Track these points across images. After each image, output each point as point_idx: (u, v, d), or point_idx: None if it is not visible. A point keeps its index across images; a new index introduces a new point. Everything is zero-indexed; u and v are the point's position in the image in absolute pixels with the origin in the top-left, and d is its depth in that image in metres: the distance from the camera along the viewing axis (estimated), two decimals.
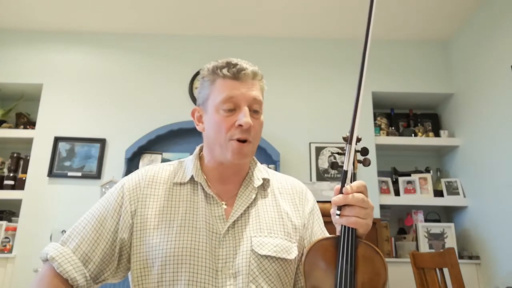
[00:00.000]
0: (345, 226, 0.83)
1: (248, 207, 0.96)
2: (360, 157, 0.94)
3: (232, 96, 0.93)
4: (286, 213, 0.99)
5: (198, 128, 1.02)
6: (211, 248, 0.88)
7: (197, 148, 1.06)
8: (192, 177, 0.98)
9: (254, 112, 0.95)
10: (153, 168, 1.03)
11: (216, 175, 0.99)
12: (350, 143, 0.85)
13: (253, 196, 0.98)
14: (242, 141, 0.93)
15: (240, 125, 0.91)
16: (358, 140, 0.92)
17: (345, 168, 0.86)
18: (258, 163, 1.08)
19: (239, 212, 0.94)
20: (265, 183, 1.03)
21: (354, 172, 0.90)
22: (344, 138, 0.94)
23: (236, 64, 0.95)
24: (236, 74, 0.94)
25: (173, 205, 0.94)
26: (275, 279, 0.90)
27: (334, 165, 0.98)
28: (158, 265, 0.87)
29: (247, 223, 0.94)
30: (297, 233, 0.97)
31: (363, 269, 0.80)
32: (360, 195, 0.84)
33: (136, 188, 0.97)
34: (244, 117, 0.91)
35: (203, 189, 0.96)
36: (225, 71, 0.94)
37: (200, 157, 1.04)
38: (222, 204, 0.96)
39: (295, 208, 1.02)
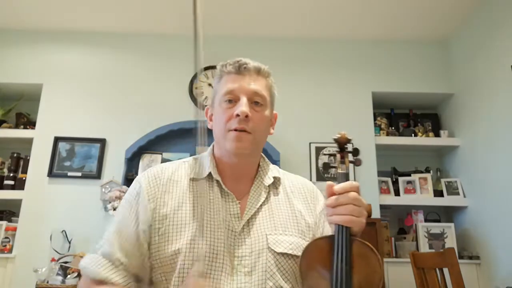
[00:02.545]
0: (339, 225, 0.84)
1: (261, 205, 0.96)
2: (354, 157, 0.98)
3: (232, 89, 0.95)
4: (300, 211, 0.99)
5: (208, 126, 1.02)
6: (228, 246, 0.89)
7: (211, 145, 1.06)
8: (209, 173, 0.98)
9: (255, 104, 0.96)
10: (169, 165, 1.02)
11: (229, 173, 0.99)
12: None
13: (265, 195, 0.98)
14: (240, 130, 0.93)
15: (238, 115, 0.92)
16: (348, 141, 0.96)
17: (339, 170, 0.90)
18: (267, 161, 1.08)
19: (253, 210, 0.94)
20: (276, 181, 1.03)
21: (346, 172, 0.92)
22: (335, 140, 0.96)
23: (240, 60, 0.98)
24: (238, 68, 0.97)
25: (191, 201, 0.94)
26: (291, 276, 0.90)
27: (326, 166, 1.00)
28: (179, 261, 0.86)
29: (261, 221, 0.94)
30: (310, 231, 0.98)
31: (359, 267, 0.80)
32: (353, 193, 0.84)
33: (151, 186, 0.95)
34: (240, 106, 0.93)
35: (219, 186, 0.97)
36: (229, 67, 0.98)
37: (214, 155, 1.03)
38: (237, 202, 0.96)
39: (307, 206, 1.02)
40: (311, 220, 1.00)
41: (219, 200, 0.95)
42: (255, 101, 0.96)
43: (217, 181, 0.97)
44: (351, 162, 0.96)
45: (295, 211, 0.99)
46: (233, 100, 0.95)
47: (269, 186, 1.01)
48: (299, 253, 0.90)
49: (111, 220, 0.99)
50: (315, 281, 0.83)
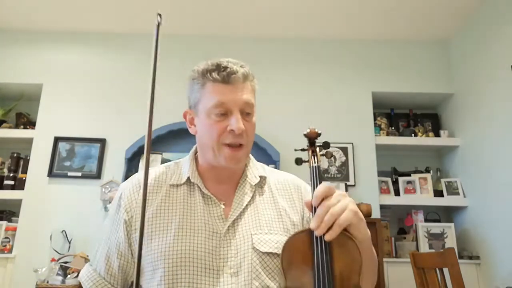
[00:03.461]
0: None
1: (246, 205, 0.96)
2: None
3: (223, 102, 0.91)
4: (284, 210, 0.99)
5: (190, 130, 1.02)
6: (211, 248, 0.89)
7: (193, 148, 1.06)
8: (188, 178, 0.98)
9: (246, 115, 0.95)
10: (150, 172, 1.02)
11: (211, 176, 0.99)
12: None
13: (251, 194, 0.98)
14: (235, 145, 0.93)
15: (232, 130, 0.91)
16: (318, 135, 1.01)
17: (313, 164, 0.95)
18: (254, 160, 1.08)
19: (238, 211, 0.94)
20: (262, 180, 1.03)
21: (318, 165, 0.95)
22: (305, 135, 1.02)
23: (226, 67, 0.93)
24: (226, 78, 0.92)
25: (169, 207, 0.94)
26: (277, 275, 0.90)
27: (298, 161, 1.01)
28: (158, 269, 0.87)
29: (246, 222, 0.94)
30: (296, 229, 0.97)
31: (338, 256, 0.81)
32: (328, 202, 0.81)
33: (131, 196, 0.97)
34: (236, 122, 0.91)
35: (200, 190, 0.97)
36: (215, 74, 0.92)
37: (196, 158, 1.04)
38: (221, 204, 0.96)
39: (292, 204, 1.02)
40: (296, 217, 0.99)
41: (201, 204, 0.95)
42: (246, 112, 0.94)
43: (198, 185, 0.97)
44: (322, 155, 1.00)
45: (280, 209, 0.99)
46: (224, 113, 0.92)
47: (255, 185, 1.01)
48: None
49: (102, 232, 1.01)
50: (297, 274, 0.84)
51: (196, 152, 1.05)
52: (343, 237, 0.82)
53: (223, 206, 0.95)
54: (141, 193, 0.95)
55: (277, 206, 0.99)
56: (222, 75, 0.92)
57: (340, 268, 0.81)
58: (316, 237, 0.82)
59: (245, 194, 0.98)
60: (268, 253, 0.90)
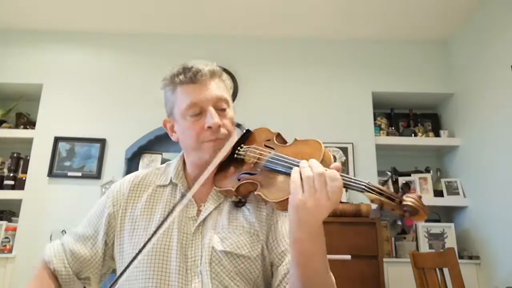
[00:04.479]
0: None
1: (219, 205, 0.96)
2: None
3: (195, 102, 0.93)
4: (248, 209, 0.98)
5: (172, 138, 1.04)
6: (181, 249, 0.90)
7: (181, 152, 1.08)
8: (171, 179, 1.01)
9: (221, 111, 0.96)
10: (142, 172, 1.07)
11: (195, 177, 0.99)
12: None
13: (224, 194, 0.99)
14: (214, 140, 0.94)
15: (209, 127, 0.92)
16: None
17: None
18: None
19: (207, 211, 0.95)
20: None
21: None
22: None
23: (192, 67, 0.94)
24: (193, 77, 0.93)
25: (153, 206, 0.97)
26: (237, 276, 0.89)
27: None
28: (134, 266, 0.87)
29: (213, 222, 0.94)
30: (264, 229, 0.95)
31: None
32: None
33: (119, 191, 1.01)
34: (211, 118, 0.92)
35: (180, 191, 0.99)
36: (182, 77, 0.94)
37: (184, 161, 1.06)
38: (200, 205, 0.97)
39: (257, 204, 0.99)
40: (257, 220, 0.96)
41: (180, 204, 0.96)
42: (221, 108, 0.95)
43: (179, 186, 0.99)
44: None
45: (245, 209, 0.97)
46: (198, 112, 0.93)
47: None
48: (243, 252, 0.90)
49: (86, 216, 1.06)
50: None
51: (183, 157, 1.07)
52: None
53: (197, 207, 0.96)
54: (130, 191, 1.01)
55: (246, 206, 0.98)
56: (189, 75, 0.94)
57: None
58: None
59: (218, 194, 0.98)
60: (225, 252, 0.89)
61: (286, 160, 0.84)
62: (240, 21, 3.06)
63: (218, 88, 0.96)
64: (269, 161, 0.88)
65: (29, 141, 2.91)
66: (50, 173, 2.83)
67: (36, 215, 2.75)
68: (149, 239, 0.81)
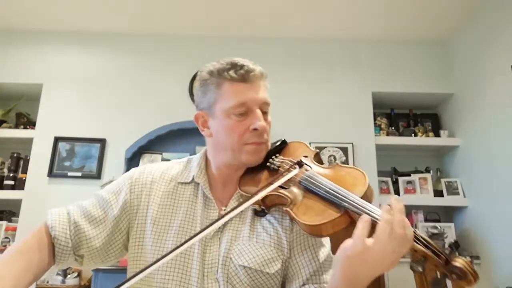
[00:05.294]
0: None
1: (242, 211, 0.90)
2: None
3: (244, 101, 0.89)
4: (276, 219, 0.93)
5: (203, 133, 0.98)
6: (201, 253, 0.88)
7: (203, 150, 1.04)
8: (193, 177, 0.97)
9: (264, 114, 0.93)
10: (163, 164, 1.03)
11: (220, 178, 0.97)
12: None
13: None
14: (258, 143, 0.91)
15: (255, 129, 0.89)
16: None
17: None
18: None
19: (227, 217, 0.90)
20: None
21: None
22: None
23: (243, 65, 0.90)
24: (245, 76, 0.90)
25: (174, 204, 0.94)
26: None
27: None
28: (157, 270, 0.86)
29: (236, 230, 0.90)
30: (287, 240, 0.91)
31: None
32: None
33: (139, 180, 0.98)
34: (259, 121, 0.89)
35: (202, 191, 0.96)
36: (232, 73, 0.89)
37: (206, 159, 1.01)
38: (223, 208, 0.94)
39: (282, 217, 0.94)
40: (284, 234, 0.91)
41: (201, 205, 0.93)
42: (264, 111, 0.93)
43: (201, 186, 0.96)
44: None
45: (271, 221, 0.92)
46: (244, 112, 0.90)
47: None
48: (262, 268, 0.86)
49: (99, 193, 1.03)
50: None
51: (206, 154, 1.02)
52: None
53: (218, 210, 0.93)
54: (152, 182, 0.97)
55: (270, 216, 0.93)
56: (240, 73, 0.90)
57: None
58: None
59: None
60: (243, 267, 0.85)
61: (329, 186, 0.80)
62: (240, 21, 3.06)
63: (265, 91, 0.94)
64: (307, 179, 0.84)
65: (29, 141, 2.91)
66: (50, 173, 2.83)
67: (36, 215, 2.74)
68: (178, 247, 0.75)
